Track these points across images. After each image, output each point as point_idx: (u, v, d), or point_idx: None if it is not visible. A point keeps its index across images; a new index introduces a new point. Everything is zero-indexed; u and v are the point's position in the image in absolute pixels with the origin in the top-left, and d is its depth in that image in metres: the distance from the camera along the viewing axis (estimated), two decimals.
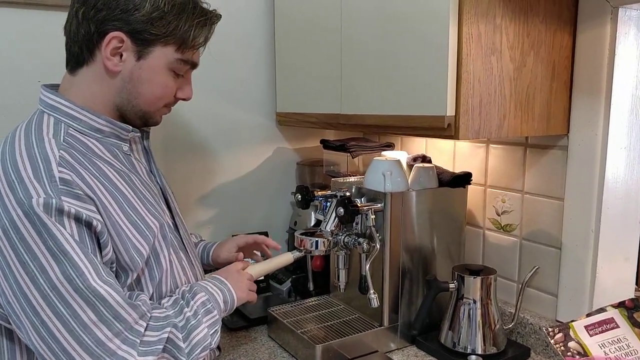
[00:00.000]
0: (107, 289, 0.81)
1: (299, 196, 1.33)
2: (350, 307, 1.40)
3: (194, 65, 1.01)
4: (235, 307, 1.03)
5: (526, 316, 1.28)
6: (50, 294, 0.79)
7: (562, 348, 0.99)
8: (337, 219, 1.24)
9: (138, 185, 0.97)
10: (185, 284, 1.01)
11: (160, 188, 1.07)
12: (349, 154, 1.49)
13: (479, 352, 1.21)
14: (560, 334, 1.01)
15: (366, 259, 1.21)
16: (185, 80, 1.01)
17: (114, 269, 0.88)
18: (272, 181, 1.72)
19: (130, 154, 1.01)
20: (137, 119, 0.99)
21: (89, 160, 0.90)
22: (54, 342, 0.79)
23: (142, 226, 0.92)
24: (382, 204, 1.24)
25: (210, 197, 1.62)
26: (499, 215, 1.37)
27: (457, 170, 1.40)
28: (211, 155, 1.61)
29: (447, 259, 1.36)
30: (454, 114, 1.03)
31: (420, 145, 1.59)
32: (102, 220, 0.85)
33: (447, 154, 1.50)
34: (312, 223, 1.61)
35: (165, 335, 0.87)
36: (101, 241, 0.85)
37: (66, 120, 0.92)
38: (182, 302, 0.94)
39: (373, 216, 1.21)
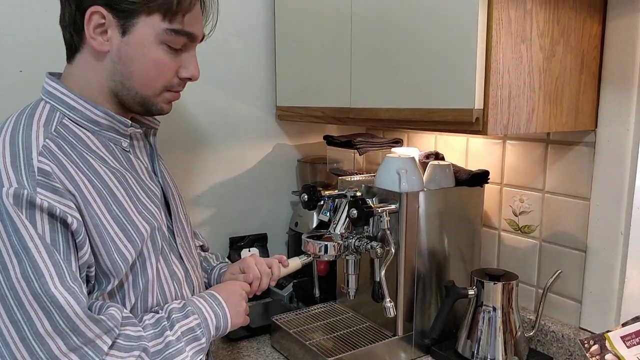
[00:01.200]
0: (67, 297, 0.72)
1: (306, 196, 1.24)
2: (360, 315, 1.31)
3: (190, 36, 0.88)
4: (226, 333, 0.94)
5: (547, 323, 1.21)
6: (8, 295, 0.71)
7: None
8: (347, 221, 1.15)
9: (133, 185, 0.88)
10: (176, 296, 0.91)
11: (162, 189, 0.97)
12: (355, 151, 1.40)
13: None
14: (596, 346, 0.94)
15: (381, 265, 1.12)
16: (188, 57, 0.90)
17: (93, 272, 0.79)
18: (271, 179, 1.62)
19: (129, 151, 0.91)
20: (137, 106, 0.89)
21: (79, 153, 0.82)
22: (5, 347, 0.71)
23: (130, 229, 0.83)
24: (397, 205, 1.15)
25: (206, 196, 1.52)
26: (516, 216, 1.29)
27: (471, 168, 1.32)
28: (206, 151, 1.51)
29: (463, 262, 1.28)
30: (482, 107, 0.95)
31: (429, 141, 1.50)
32: (79, 218, 0.76)
33: (459, 151, 1.41)
34: (315, 224, 1.52)
35: None
36: (77, 241, 0.76)
37: (62, 108, 0.84)
38: (165, 323, 0.84)
39: (387, 218, 1.12)
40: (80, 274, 0.77)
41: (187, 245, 1.00)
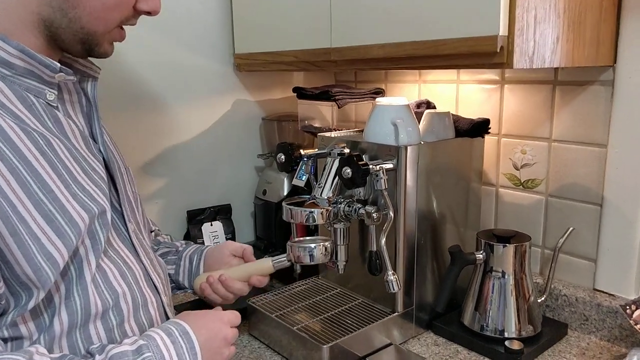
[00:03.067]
0: None
1: (283, 156, 1.04)
2: (349, 290, 1.14)
3: None
4: None
5: (558, 286, 1.09)
6: None
7: None
8: (335, 183, 0.96)
9: (63, 155, 0.64)
10: (133, 302, 0.68)
11: (104, 159, 0.73)
12: (333, 104, 1.20)
13: (514, 334, 1.00)
14: (639, 311, 0.81)
15: (379, 232, 0.95)
16: None
17: (2, 288, 0.58)
18: (232, 141, 1.40)
19: (56, 107, 0.67)
20: (77, 44, 0.66)
21: None
22: None
23: (61, 219, 0.60)
24: (395, 161, 0.97)
25: (156, 164, 1.29)
26: (517, 170, 1.15)
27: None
28: (153, 110, 1.26)
29: (461, 225, 1.13)
30: (507, 34, 0.77)
31: (412, 91, 1.33)
32: None
33: (448, 100, 1.25)
34: (286, 191, 1.33)
35: None
36: None
37: None
38: None
39: (385, 177, 0.95)
40: None
41: (142, 235, 0.78)
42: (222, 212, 1.37)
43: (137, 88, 1.22)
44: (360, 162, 0.90)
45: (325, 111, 1.26)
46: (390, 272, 0.93)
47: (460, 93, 1.23)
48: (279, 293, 1.14)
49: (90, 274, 0.62)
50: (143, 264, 0.72)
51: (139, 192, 0.80)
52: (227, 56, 1.35)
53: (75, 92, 0.72)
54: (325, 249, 0.92)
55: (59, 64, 0.65)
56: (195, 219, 1.33)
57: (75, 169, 0.64)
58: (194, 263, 0.93)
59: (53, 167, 0.62)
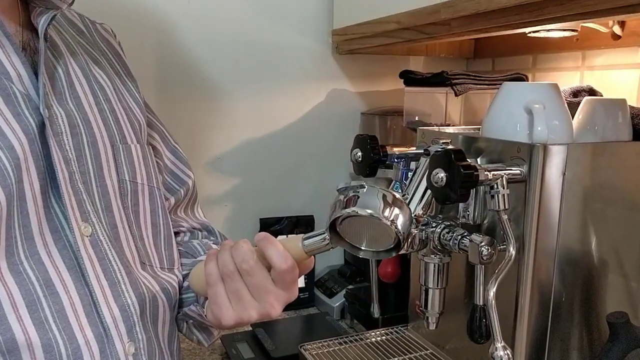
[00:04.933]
0: None
1: (359, 153, 0.75)
2: (445, 355, 0.80)
3: None
4: None
5: None
6: None
7: None
8: (429, 195, 0.64)
9: None
10: (43, 348, 0.44)
11: (39, 125, 0.48)
12: (450, 89, 0.88)
13: None
14: None
15: (488, 277, 0.60)
16: None
17: None
18: (322, 140, 1.15)
19: None
20: None
21: None
22: None
23: None
24: (524, 168, 0.63)
25: (228, 160, 1.08)
26: None
27: None
28: (230, 96, 1.07)
29: (634, 280, 0.73)
30: None
31: (570, 80, 0.95)
32: None
33: (625, 92, 0.85)
34: None
35: None
36: None
37: None
38: None
39: (505, 191, 0.60)
40: None
41: (118, 242, 0.52)
42: (302, 224, 1.12)
43: (207, 70, 1.03)
44: (460, 163, 0.57)
45: (438, 102, 0.94)
46: (499, 344, 0.58)
47: None
48: (348, 341, 0.84)
49: None
50: (89, 288, 0.48)
51: (204, 190, 0.53)
52: (325, 34, 1.10)
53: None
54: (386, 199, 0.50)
55: None
56: (269, 229, 1.10)
57: None
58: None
59: None
